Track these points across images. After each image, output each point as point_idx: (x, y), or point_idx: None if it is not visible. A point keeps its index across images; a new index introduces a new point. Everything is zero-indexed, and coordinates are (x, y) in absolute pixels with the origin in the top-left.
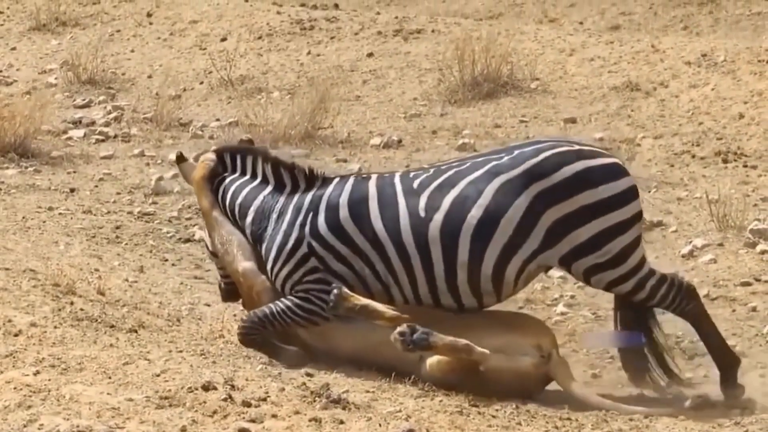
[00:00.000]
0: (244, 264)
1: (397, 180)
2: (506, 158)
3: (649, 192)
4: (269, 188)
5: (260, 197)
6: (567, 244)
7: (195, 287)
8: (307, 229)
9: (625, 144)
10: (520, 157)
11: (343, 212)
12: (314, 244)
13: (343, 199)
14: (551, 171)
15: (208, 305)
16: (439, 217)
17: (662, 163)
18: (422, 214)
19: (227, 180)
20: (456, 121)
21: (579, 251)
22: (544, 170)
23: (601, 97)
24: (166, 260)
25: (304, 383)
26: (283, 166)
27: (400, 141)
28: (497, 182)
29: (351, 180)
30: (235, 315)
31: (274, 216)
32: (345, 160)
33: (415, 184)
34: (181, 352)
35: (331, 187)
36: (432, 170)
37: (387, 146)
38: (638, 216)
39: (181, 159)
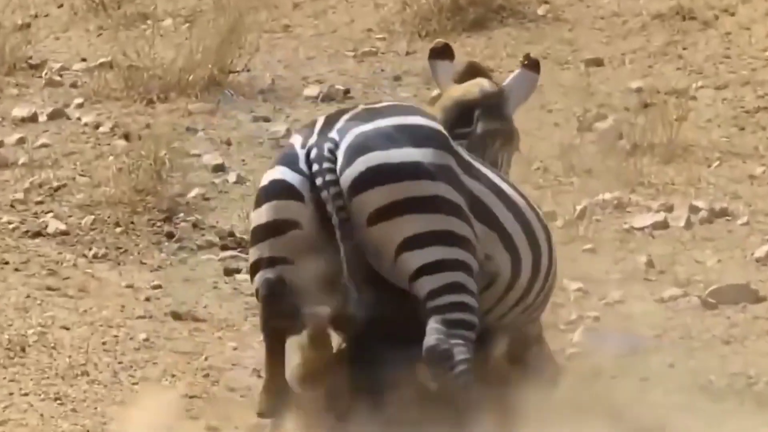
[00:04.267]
0: None
1: None
2: None
3: (709, 167)
4: None
5: None
6: None
7: (48, 302)
8: None
9: (674, 97)
10: None
11: None
12: None
13: None
14: None
15: (67, 328)
16: None
17: (727, 125)
18: None
19: None
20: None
21: None
22: None
23: (640, 29)
24: (7, 263)
25: None
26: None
27: (347, 91)
28: None
29: None
30: (104, 342)
31: None
32: (267, 119)
33: None
34: (26, 395)
35: None
36: None
37: (328, 98)
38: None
39: (444, 52)
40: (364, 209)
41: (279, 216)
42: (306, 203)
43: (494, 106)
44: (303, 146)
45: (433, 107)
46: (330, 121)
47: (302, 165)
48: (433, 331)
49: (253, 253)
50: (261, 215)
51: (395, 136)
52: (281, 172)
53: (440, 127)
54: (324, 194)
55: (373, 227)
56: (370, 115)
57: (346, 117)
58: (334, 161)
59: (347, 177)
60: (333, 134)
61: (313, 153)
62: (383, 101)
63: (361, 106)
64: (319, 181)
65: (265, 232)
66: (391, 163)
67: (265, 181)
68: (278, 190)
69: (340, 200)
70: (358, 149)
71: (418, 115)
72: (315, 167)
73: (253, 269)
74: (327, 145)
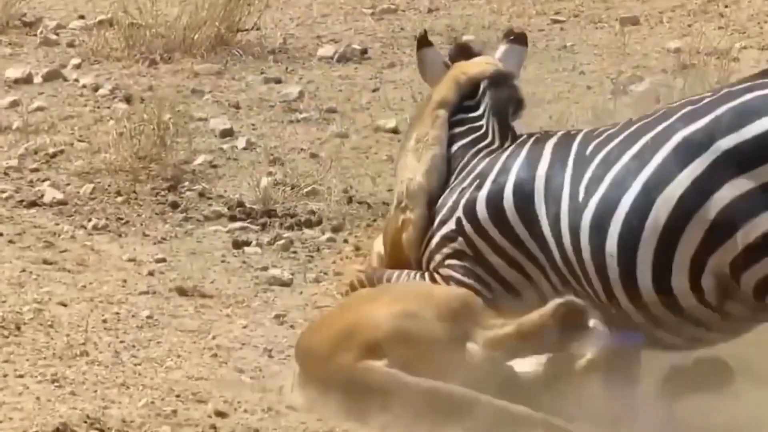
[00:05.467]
0: (419, 179)
1: (576, 141)
2: (699, 105)
3: None
4: (482, 130)
5: (468, 137)
6: (742, 240)
7: (44, 277)
8: (463, 199)
9: (716, 58)
10: (710, 105)
11: (507, 191)
12: (465, 222)
13: (511, 173)
14: (738, 126)
15: (65, 305)
16: (593, 201)
17: None
18: (580, 195)
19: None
20: (452, 21)
21: (754, 251)
22: (729, 125)
23: None
24: (0, 235)
25: (213, 425)
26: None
27: (364, 51)
28: (671, 144)
29: (529, 142)
30: (104, 320)
31: (458, 170)
32: (278, 81)
33: (590, 149)
34: (21, 377)
35: (509, 151)
36: (623, 123)
37: (344, 59)
38: None
39: (424, 42)
40: None
41: None
42: None
43: (503, 77)
44: None
45: (441, 84)
46: None
47: None
48: None
49: None
50: None
51: None
52: None
53: None
54: None
55: None
56: None
57: None
58: None
59: None
60: None
61: None
62: None
63: None
64: None
65: None
66: None
67: None
68: None
69: None
70: None
71: None
72: None
73: None
74: None
